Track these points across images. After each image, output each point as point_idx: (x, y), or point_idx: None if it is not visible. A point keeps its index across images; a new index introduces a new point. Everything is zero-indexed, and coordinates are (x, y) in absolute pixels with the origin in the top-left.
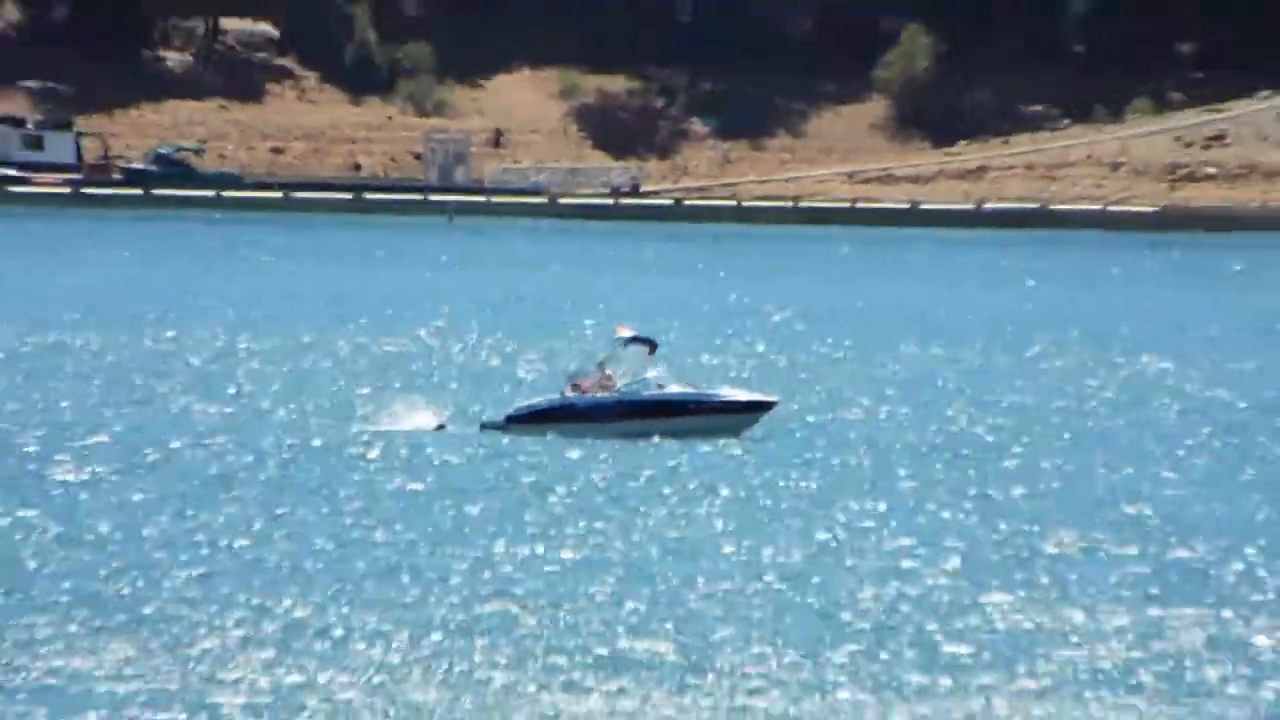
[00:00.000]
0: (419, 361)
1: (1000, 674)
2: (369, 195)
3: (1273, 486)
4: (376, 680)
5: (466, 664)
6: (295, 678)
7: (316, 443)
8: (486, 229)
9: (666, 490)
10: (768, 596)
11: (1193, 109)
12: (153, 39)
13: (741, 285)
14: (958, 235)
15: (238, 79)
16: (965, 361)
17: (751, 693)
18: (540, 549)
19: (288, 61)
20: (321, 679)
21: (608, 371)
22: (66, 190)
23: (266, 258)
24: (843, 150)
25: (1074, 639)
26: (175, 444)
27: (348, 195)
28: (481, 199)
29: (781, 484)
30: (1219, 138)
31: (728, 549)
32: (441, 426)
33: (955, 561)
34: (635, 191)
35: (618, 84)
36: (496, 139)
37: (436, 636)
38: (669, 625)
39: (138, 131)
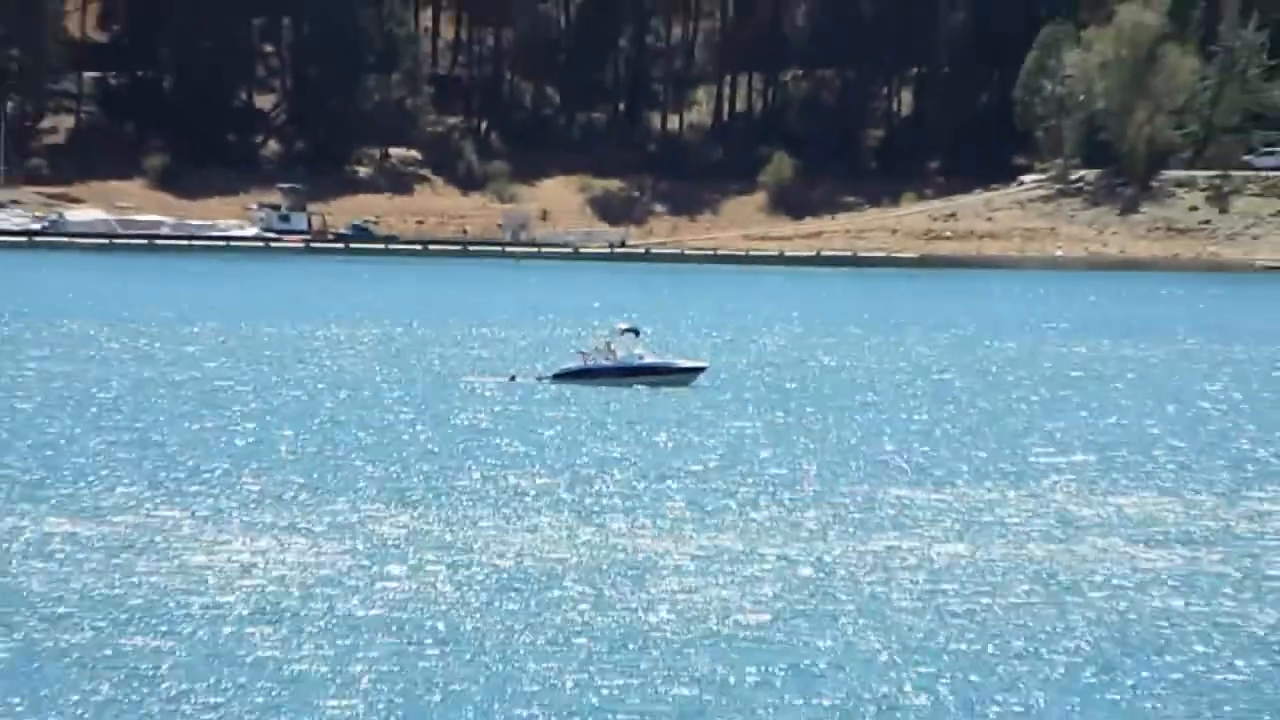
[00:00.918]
0: (500, 342)
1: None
2: (472, 248)
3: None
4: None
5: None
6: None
7: (437, 385)
8: (537, 268)
9: (639, 418)
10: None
11: (939, 198)
12: (350, 159)
13: (685, 298)
14: (805, 270)
15: (398, 181)
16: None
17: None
18: (571, 442)
19: (425, 171)
20: (443, 532)
21: (612, 347)
22: (302, 245)
23: (413, 285)
24: (741, 222)
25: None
26: (349, 396)
27: (459, 247)
28: (534, 249)
29: (704, 414)
30: (953, 215)
31: (669, 445)
32: (513, 378)
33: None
34: (623, 245)
35: (614, 185)
36: (544, 215)
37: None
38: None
39: (342, 212)
